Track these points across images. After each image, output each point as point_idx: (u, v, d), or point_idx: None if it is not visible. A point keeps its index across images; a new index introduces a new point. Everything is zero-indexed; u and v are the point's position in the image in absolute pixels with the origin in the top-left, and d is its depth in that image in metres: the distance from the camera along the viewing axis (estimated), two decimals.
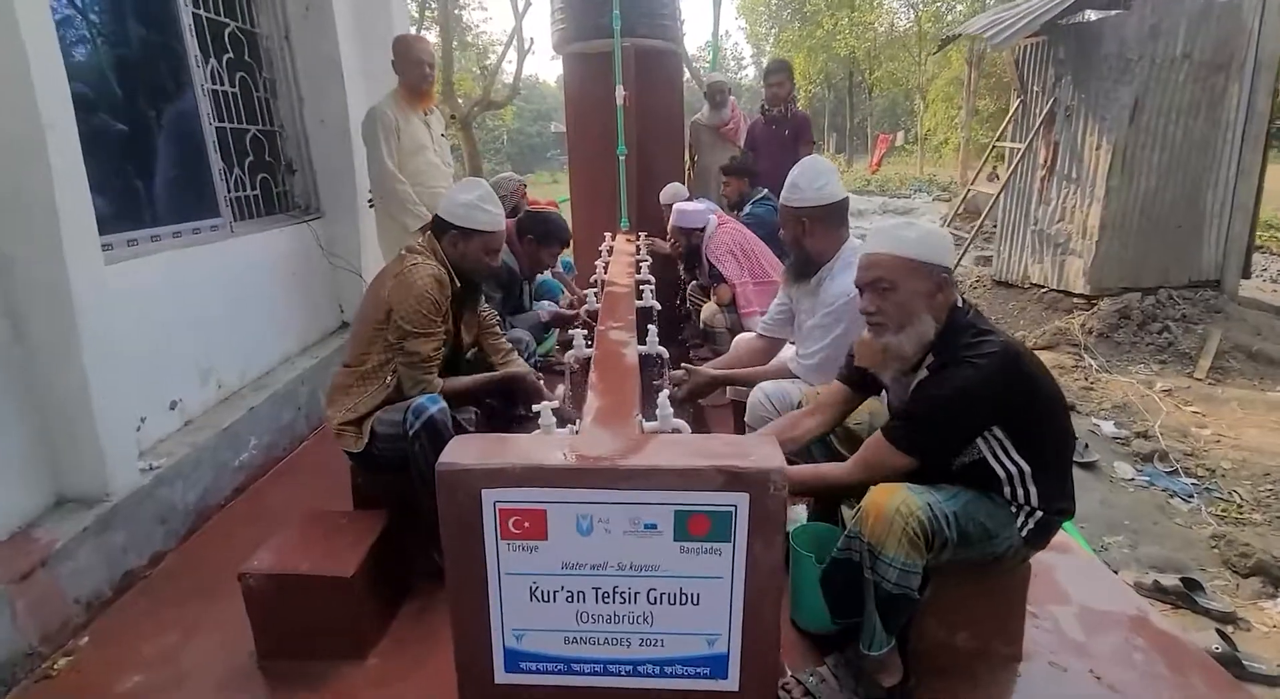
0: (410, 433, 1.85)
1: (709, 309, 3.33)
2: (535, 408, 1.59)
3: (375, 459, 2.02)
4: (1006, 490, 1.49)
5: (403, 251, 2.09)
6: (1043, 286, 5.59)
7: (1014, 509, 1.49)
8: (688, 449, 1.37)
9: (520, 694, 1.46)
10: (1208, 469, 3.22)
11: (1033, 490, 1.47)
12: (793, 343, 2.34)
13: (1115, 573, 2.27)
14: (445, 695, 1.50)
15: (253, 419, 2.72)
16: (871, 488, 1.45)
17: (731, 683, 1.44)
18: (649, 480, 1.31)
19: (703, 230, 3.35)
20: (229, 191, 2.95)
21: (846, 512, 1.85)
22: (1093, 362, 4.48)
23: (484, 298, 2.76)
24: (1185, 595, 2.29)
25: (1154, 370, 4.49)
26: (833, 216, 2.14)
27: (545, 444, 1.41)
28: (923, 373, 1.53)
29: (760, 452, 1.35)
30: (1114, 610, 1.83)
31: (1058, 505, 1.50)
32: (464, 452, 1.37)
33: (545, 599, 1.40)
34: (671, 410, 1.60)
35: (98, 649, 1.80)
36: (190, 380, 2.59)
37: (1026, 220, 5.71)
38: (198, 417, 2.59)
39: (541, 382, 2.27)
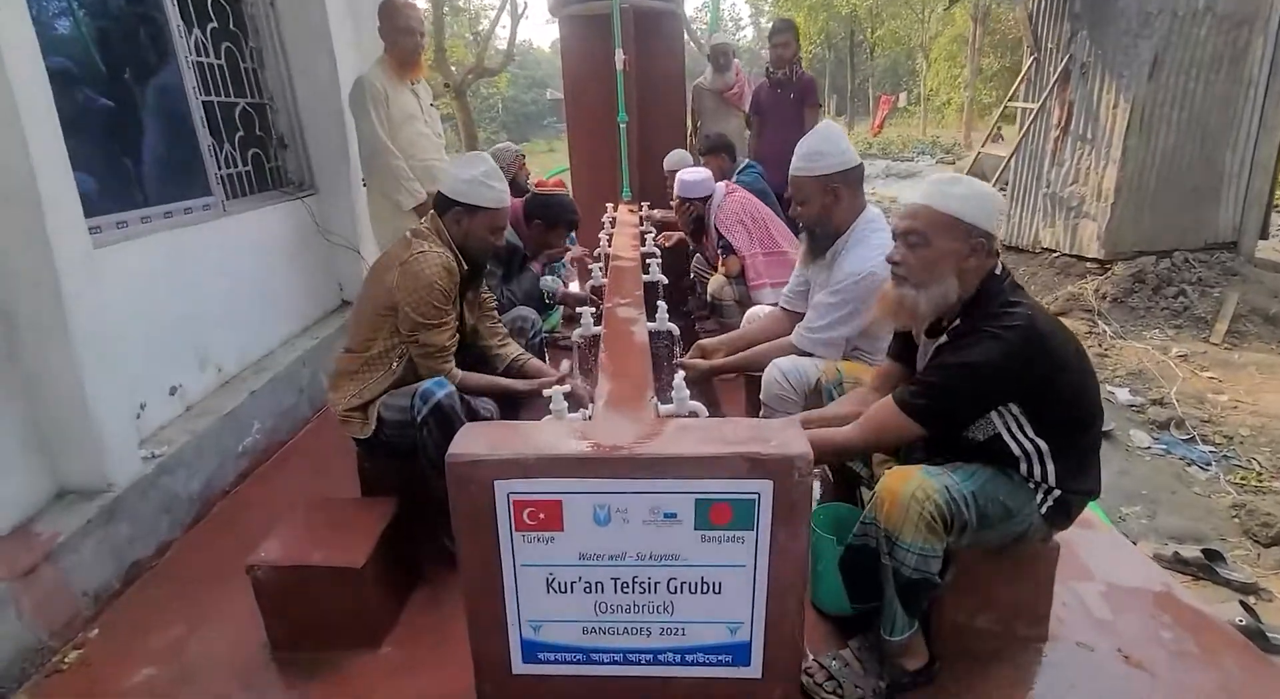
0: (418, 419, 1.80)
1: (716, 281, 3.24)
2: (546, 392, 1.53)
3: (383, 445, 1.98)
4: (1023, 467, 1.44)
5: (408, 235, 2.01)
6: (1055, 251, 5.47)
7: (1031, 486, 1.45)
8: (707, 435, 1.32)
9: (539, 684, 1.44)
10: (1225, 436, 3.17)
11: (1050, 469, 1.42)
12: None
13: (1134, 544, 2.24)
14: (463, 683, 1.47)
15: (254, 403, 2.67)
16: (886, 473, 1.40)
17: (754, 670, 1.41)
18: (668, 469, 1.26)
19: (706, 200, 3.24)
20: (219, 168, 2.84)
21: (865, 493, 1.81)
22: (1106, 327, 4.40)
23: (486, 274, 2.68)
24: (1206, 567, 2.26)
25: (1169, 335, 4.41)
26: (857, 179, 2.05)
27: (558, 432, 1.35)
28: (944, 339, 1.47)
29: (783, 437, 1.29)
30: (1140, 586, 1.79)
31: (1078, 485, 1.45)
32: (474, 441, 1.31)
33: (562, 590, 1.36)
34: (687, 393, 1.54)
35: (107, 642, 1.78)
36: (189, 365, 2.53)
37: (1038, 183, 5.57)
38: (198, 402, 2.54)
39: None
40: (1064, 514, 1.46)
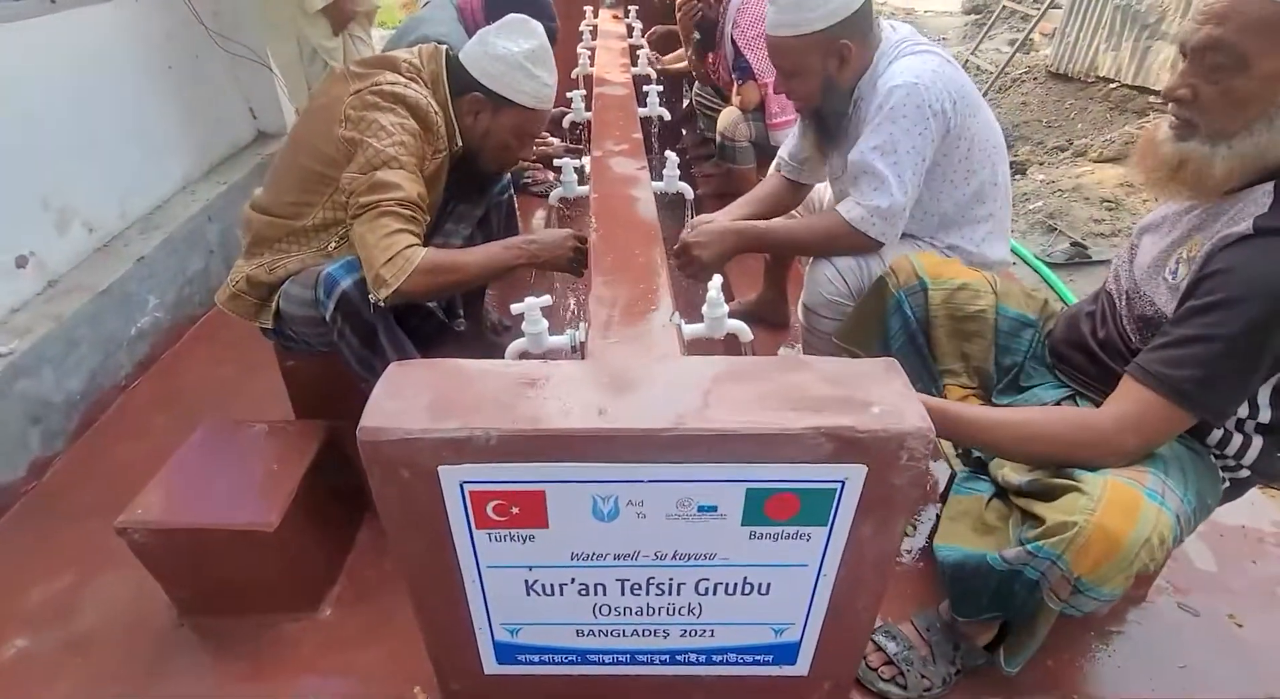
0: (326, 317, 1.29)
1: (729, 116, 2.57)
2: (516, 307, 1.02)
3: (295, 342, 1.49)
4: (1215, 436, 1.02)
5: (366, 68, 1.37)
6: (1113, 81, 4.66)
7: (1214, 460, 1.05)
8: (768, 390, 0.85)
9: (521, 682, 1.11)
10: None
11: (1254, 444, 1.02)
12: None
13: None
14: (422, 654, 1.15)
15: (145, 272, 2.10)
16: (1097, 495, 0.91)
17: (800, 669, 1.09)
18: (710, 451, 0.81)
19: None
20: None
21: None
22: None
23: None
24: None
25: None
26: (867, 19, 1.41)
27: (531, 380, 0.87)
28: (1240, 223, 0.88)
29: (890, 395, 0.84)
30: (1250, 527, 1.49)
31: (1270, 468, 1.05)
32: (401, 401, 0.83)
33: (548, 592, 0.97)
34: (725, 309, 1.04)
35: None
36: (41, 225, 1.92)
37: None
38: (64, 274, 1.97)
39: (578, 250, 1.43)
40: (1234, 495, 1.09)
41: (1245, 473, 1.05)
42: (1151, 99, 4.43)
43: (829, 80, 1.43)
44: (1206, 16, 0.87)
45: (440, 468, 0.82)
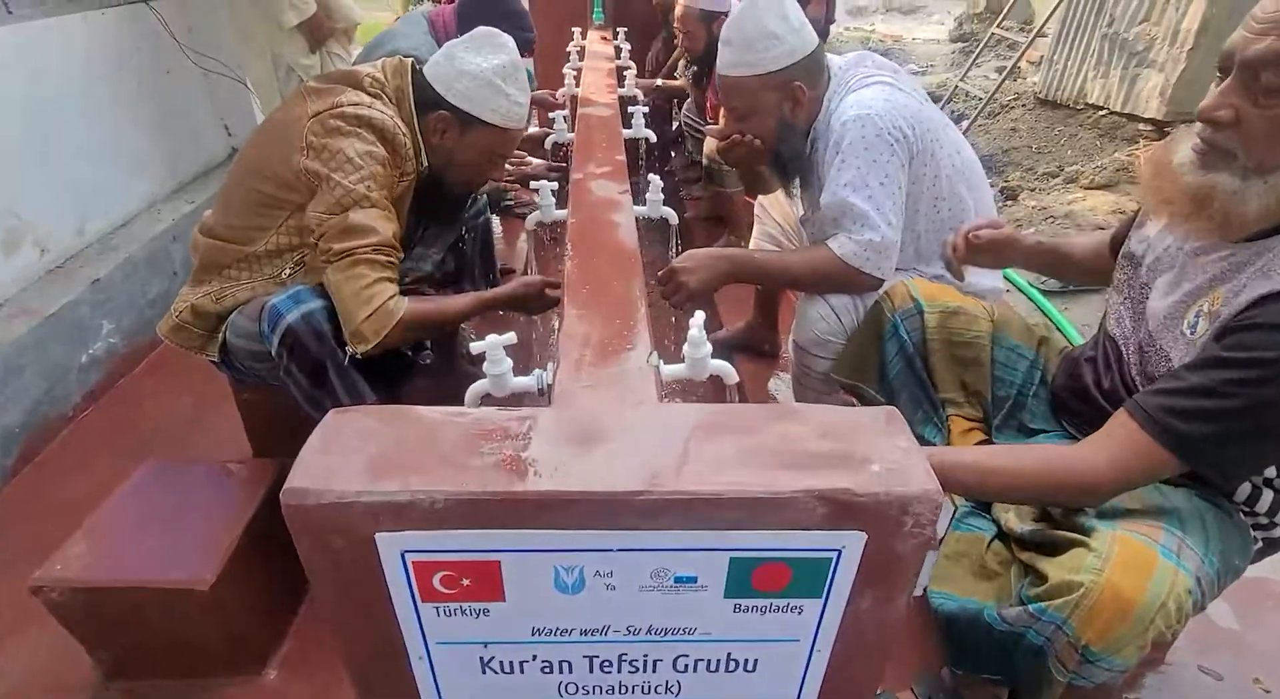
0: (272, 352, 1.19)
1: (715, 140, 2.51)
2: (476, 346, 0.92)
3: (247, 376, 1.38)
4: (1244, 490, 0.93)
5: (327, 83, 1.29)
6: (1102, 108, 4.66)
7: (1244, 518, 0.96)
8: (754, 444, 0.75)
9: None
10: None
11: None
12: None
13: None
14: None
15: (100, 296, 1.99)
16: (1106, 558, 0.82)
17: None
18: (688, 517, 0.71)
19: (725, 16, 2.41)
20: None
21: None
22: None
23: None
24: None
25: None
26: (820, 63, 1.40)
27: (487, 435, 0.76)
28: (1273, 276, 0.78)
29: (892, 451, 0.74)
30: (1273, 579, 1.39)
31: None
32: (333, 456, 0.73)
33: (507, 670, 0.86)
34: (708, 348, 0.94)
35: None
36: None
37: (1098, 18, 4.60)
38: (11, 297, 1.86)
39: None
40: (1266, 554, 1.00)
41: (1279, 532, 0.96)
42: (1141, 126, 4.44)
43: (783, 121, 1.41)
44: (1270, 25, 0.75)
45: (377, 535, 0.71)
